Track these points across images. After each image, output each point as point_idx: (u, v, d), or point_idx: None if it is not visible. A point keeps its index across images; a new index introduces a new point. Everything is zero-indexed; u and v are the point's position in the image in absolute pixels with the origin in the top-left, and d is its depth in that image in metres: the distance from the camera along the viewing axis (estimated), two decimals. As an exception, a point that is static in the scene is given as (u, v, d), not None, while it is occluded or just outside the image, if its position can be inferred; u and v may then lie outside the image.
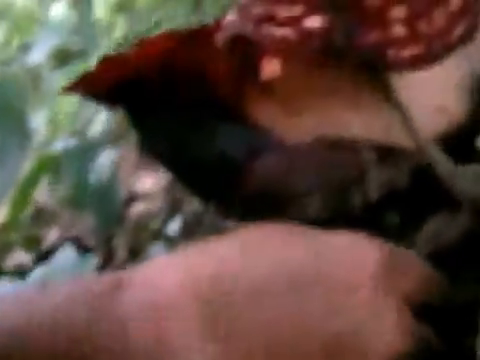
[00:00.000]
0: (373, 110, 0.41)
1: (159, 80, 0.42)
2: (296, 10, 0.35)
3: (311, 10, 0.35)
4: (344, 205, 0.40)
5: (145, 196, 0.84)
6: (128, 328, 0.28)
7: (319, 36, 0.34)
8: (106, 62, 0.40)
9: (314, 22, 0.34)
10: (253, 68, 0.41)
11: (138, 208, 0.82)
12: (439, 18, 0.36)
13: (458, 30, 0.36)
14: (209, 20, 0.43)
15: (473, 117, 0.42)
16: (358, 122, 0.40)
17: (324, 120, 0.41)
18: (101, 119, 0.77)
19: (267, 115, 0.41)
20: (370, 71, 0.40)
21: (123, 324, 0.29)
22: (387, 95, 0.40)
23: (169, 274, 0.32)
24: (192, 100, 0.43)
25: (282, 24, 0.35)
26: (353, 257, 0.34)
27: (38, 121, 0.74)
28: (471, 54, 0.42)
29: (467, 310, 0.36)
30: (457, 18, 0.37)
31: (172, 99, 0.43)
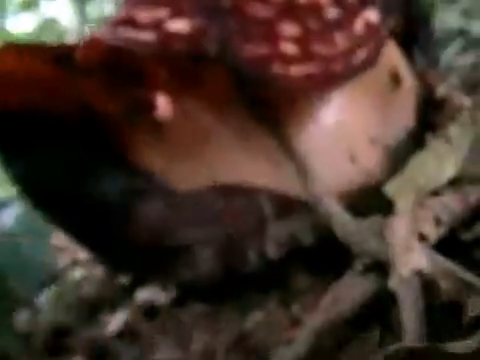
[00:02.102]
0: (271, 158, 0.35)
1: (27, 107, 0.35)
2: (159, 13, 0.29)
3: (177, 13, 0.28)
4: (239, 260, 0.35)
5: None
6: None
7: (184, 40, 0.28)
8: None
9: (179, 25, 0.28)
10: (144, 104, 0.35)
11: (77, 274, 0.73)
12: (340, 41, 0.31)
13: (361, 54, 0.31)
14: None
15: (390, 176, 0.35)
16: (254, 170, 0.35)
17: (217, 166, 0.35)
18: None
19: (154, 157, 0.36)
20: (267, 119, 0.35)
21: None
22: (283, 144, 0.34)
23: None
24: (65, 131, 0.36)
25: (143, 27, 0.29)
26: None
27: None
28: (395, 118, 0.38)
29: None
30: (361, 42, 0.31)
31: (39, 129, 0.36)
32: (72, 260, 0.70)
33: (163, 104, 0.36)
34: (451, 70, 0.62)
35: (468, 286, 0.26)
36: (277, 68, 0.28)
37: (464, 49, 0.78)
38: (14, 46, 0.32)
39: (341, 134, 0.34)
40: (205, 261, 0.35)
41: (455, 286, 0.26)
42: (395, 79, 0.37)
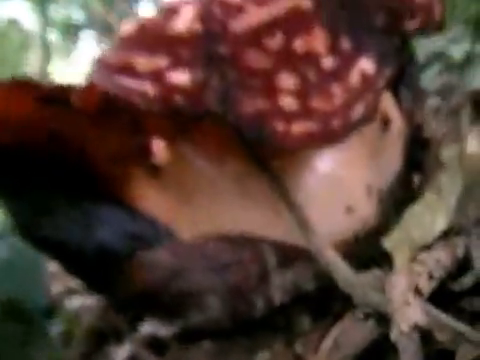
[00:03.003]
0: (271, 207, 0.35)
1: (17, 147, 0.34)
2: (159, 61, 0.28)
3: (177, 63, 0.28)
4: (246, 307, 0.35)
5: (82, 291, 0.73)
6: None
7: (185, 94, 0.27)
8: None
9: (180, 77, 0.27)
10: (141, 148, 0.34)
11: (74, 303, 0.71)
12: (337, 94, 0.30)
13: (358, 108, 0.31)
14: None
15: (382, 222, 0.37)
16: (255, 218, 0.35)
17: (218, 214, 0.35)
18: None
19: (155, 202, 0.36)
20: (266, 169, 0.35)
21: None
22: (283, 195, 0.34)
23: None
24: (62, 173, 0.35)
25: (142, 76, 0.28)
26: None
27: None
28: (386, 162, 0.39)
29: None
30: (357, 95, 0.31)
31: (35, 171, 0.35)
32: (65, 288, 0.69)
33: (159, 149, 0.35)
34: (429, 93, 0.64)
35: (459, 335, 0.28)
36: (277, 125, 0.28)
37: (443, 72, 0.80)
38: (8, 83, 0.30)
39: (338, 186, 0.35)
40: (212, 307, 0.35)
41: (449, 336, 0.28)
42: (384, 121, 0.38)
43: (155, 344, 0.39)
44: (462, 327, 0.28)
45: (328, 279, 0.32)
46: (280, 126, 0.28)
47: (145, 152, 0.33)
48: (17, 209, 0.36)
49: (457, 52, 0.79)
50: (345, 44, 0.32)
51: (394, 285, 0.29)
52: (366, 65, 0.32)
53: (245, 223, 0.34)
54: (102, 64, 0.29)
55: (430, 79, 0.77)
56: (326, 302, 0.35)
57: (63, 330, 0.45)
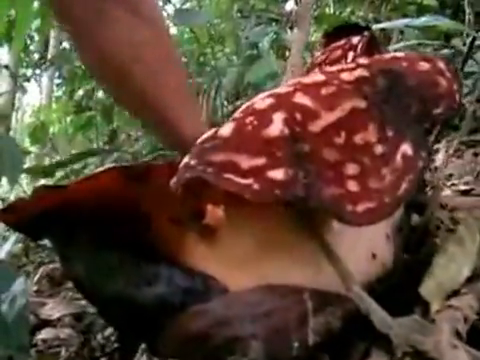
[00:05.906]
0: (310, 260, 0.42)
1: (93, 215, 0.41)
2: (259, 161, 0.35)
3: (274, 162, 0.35)
4: (284, 349, 0.41)
5: (54, 323, 0.77)
6: None
7: (281, 187, 0.35)
8: (40, 192, 0.38)
9: (277, 174, 0.35)
10: (197, 213, 0.41)
11: (45, 335, 0.74)
12: (387, 175, 0.39)
13: (404, 185, 0.39)
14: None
15: (397, 261, 0.46)
16: (297, 272, 0.42)
17: (266, 271, 0.42)
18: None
19: (207, 260, 0.43)
20: (309, 228, 0.42)
21: None
22: (325, 250, 0.42)
23: None
24: (128, 238, 0.42)
25: (245, 173, 0.35)
26: None
27: None
28: None
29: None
30: (402, 174, 0.39)
31: (106, 234, 0.42)
32: (37, 320, 0.73)
33: (212, 212, 0.43)
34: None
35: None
36: (347, 206, 0.36)
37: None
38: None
39: (366, 238, 0.43)
40: (255, 350, 0.40)
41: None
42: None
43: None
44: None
45: (353, 318, 0.39)
46: (349, 207, 0.36)
47: (199, 215, 0.40)
48: (87, 271, 0.43)
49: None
50: (390, 133, 0.40)
51: (440, 330, 0.36)
52: (406, 149, 0.40)
53: (289, 277, 0.41)
54: (203, 160, 0.36)
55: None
56: (348, 338, 0.41)
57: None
